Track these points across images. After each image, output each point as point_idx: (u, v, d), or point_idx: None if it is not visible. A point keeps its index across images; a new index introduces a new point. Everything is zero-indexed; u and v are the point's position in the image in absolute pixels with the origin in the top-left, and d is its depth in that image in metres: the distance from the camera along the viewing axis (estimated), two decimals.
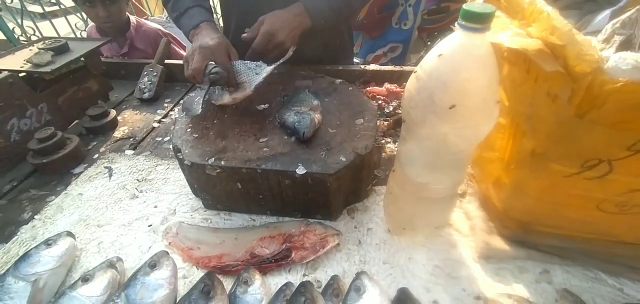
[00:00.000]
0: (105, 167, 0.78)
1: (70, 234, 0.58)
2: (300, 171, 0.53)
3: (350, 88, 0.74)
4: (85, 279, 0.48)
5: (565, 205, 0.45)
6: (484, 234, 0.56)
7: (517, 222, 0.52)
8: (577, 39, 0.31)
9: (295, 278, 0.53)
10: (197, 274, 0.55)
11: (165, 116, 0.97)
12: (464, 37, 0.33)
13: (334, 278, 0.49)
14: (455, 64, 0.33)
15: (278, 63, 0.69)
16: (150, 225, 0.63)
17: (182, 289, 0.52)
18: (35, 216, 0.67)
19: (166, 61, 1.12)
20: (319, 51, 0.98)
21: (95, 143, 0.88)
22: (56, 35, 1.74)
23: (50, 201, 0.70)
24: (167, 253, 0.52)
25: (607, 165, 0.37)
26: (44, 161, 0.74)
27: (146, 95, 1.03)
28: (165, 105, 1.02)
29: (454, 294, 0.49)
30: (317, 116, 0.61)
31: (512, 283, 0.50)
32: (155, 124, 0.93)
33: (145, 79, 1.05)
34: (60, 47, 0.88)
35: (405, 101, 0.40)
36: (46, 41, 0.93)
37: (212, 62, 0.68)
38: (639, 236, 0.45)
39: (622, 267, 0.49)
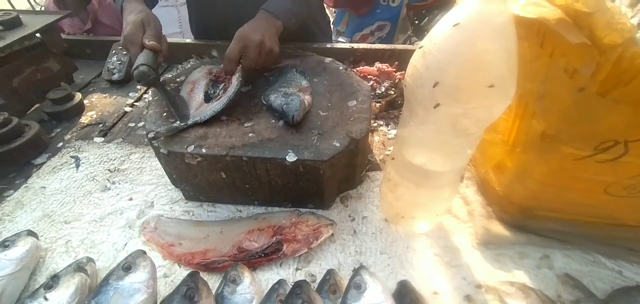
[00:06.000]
0: (72, 157, 0.71)
1: (31, 233, 0.52)
2: (291, 158, 0.48)
3: (341, 67, 0.69)
4: (49, 286, 0.43)
5: (570, 189, 0.43)
6: (482, 220, 0.54)
7: (518, 207, 0.50)
8: (607, 6, 0.28)
9: (287, 273, 0.50)
10: (180, 271, 0.50)
11: (139, 99, 0.89)
12: (481, 3, 0.29)
13: (330, 273, 0.46)
14: (470, 35, 0.29)
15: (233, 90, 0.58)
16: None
17: (164, 289, 0.48)
18: None
19: None
20: (295, 34, 0.90)
21: (59, 130, 0.79)
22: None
23: (8, 196, 0.63)
24: (144, 252, 0.46)
25: (623, 147, 0.35)
26: None
27: (116, 76, 0.94)
28: (138, 87, 0.93)
29: (455, 283, 0.47)
30: (307, 98, 0.56)
31: (513, 270, 0.49)
32: (128, 108, 0.85)
33: (114, 59, 0.96)
34: (10, 21, 0.78)
35: (411, 79, 0.35)
36: None
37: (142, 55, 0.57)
38: None
39: (620, 249, 0.48)
